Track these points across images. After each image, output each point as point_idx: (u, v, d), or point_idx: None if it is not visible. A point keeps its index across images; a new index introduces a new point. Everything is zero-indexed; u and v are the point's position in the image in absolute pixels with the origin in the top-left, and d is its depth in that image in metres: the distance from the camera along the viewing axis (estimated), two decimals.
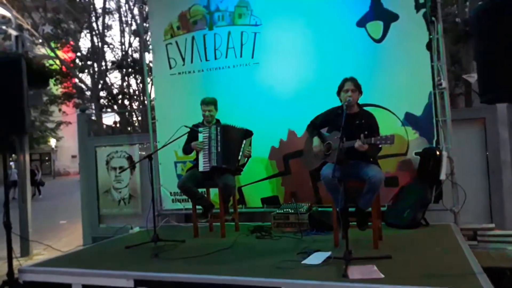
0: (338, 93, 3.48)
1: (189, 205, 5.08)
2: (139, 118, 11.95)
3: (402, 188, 4.32)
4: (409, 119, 4.35)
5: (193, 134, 4.20)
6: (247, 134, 4.19)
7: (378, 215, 3.41)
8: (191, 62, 5.18)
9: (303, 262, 3.03)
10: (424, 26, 4.29)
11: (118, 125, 9.74)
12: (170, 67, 5.28)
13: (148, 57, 5.69)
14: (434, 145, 4.27)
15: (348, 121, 3.21)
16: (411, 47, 4.34)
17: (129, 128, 10.40)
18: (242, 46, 4.96)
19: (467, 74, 5.05)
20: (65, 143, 32.84)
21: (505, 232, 4.15)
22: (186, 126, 4.09)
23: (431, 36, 4.26)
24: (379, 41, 4.47)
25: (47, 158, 35.75)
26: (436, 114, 4.26)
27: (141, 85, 11.08)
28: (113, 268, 3.20)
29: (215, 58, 5.08)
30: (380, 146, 3.22)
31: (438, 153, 4.13)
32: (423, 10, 4.28)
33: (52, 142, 31.91)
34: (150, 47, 5.46)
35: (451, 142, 4.22)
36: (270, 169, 4.86)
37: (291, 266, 2.95)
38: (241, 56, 4.97)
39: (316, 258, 3.06)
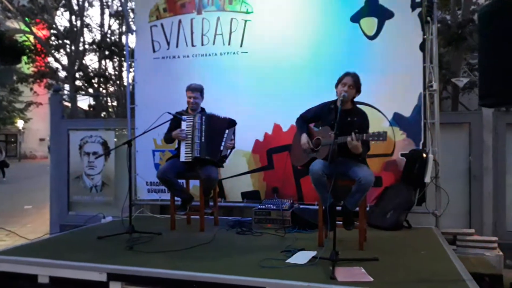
0: (336, 85, 3.35)
1: (165, 196, 4.93)
2: (114, 103, 11.56)
3: (386, 189, 4.27)
4: (397, 120, 4.29)
5: (176, 122, 4.00)
6: (231, 123, 4.01)
7: (364, 215, 3.32)
8: (176, 46, 4.96)
9: (287, 261, 2.91)
10: (418, 26, 4.23)
11: (92, 109, 9.36)
12: (154, 51, 5.04)
13: (130, 39, 5.43)
14: (420, 147, 4.22)
15: (340, 117, 3.10)
16: (404, 46, 4.27)
17: (103, 114, 10.01)
18: (231, 34, 4.77)
19: (455, 77, 5.04)
20: (33, 125, 31.69)
21: (485, 238, 4.17)
22: (169, 113, 3.88)
23: (425, 37, 4.20)
24: (372, 38, 4.38)
25: (13, 139, 34.40)
26: (425, 116, 4.21)
27: (118, 68, 10.69)
28: (84, 260, 2.98)
29: (202, 44, 4.87)
30: (371, 143, 3.14)
31: (424, 155, 4.08)
32: (418, 10, 4.21)
33: (20, 123, 30.73)
34: (134, 28, 5.18)
35: (437, 145, 4.18)
36: (252, 163, 4.72)
37: (275, 264, 2.82)
38: (229, 44, 4.78)
39: (301, 258, 2.94)
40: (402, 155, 4.27)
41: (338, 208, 3.34)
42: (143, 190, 5.09)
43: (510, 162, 4.60)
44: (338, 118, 2.99)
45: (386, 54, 4.32)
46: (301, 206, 4.36)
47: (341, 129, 3.03)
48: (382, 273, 2.61)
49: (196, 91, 4.02)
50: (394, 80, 4.30)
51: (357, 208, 3.31)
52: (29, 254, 3.18)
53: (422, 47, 4.23)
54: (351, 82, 3.26)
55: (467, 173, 4.65)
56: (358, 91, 3.32)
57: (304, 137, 3.42)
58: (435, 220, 4.20)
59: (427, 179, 4.07)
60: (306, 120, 3.54)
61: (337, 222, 3.21)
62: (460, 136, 4.68)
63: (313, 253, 2.97)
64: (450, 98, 5.55)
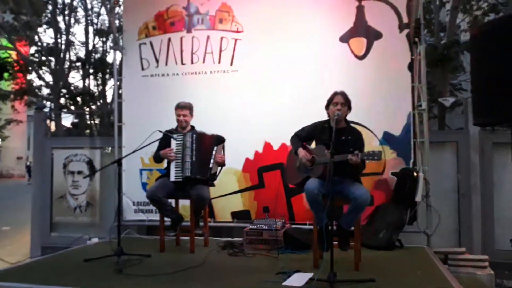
0: (327, 107, 3.36)
1: (153, 216, 4.82)
2: (96, 122, 11.36)
3: (377, 208, 4.26)
4: (387, 139, 4.32)
5: (166, 140, 3.93)
6: (218, 140, 3.95)
7: (359, 235, 3.29)
8: (166, 64, 4.92)
9: (284, 283, 2.84)
10: (406, 47, 4.32)
11: (75, 127, 9.18)
12: (143, 68, 4.99)
13: (118, 56, 5.37)
14: (410, 166, 4.25)
15: (334, 136, 3.10)
16: (393, 66, 4.34)
17: (87, 131, 9.82)
18: (221, 52, 4.77)
19: (442, 97, 5.13)
20: (10, 143, 30.86)
21: (476, 256, 4.16)
22: (160, 131, 3.81)
23: (413, 57, 4.28)
24: (361, 57, 4.44)
25: None
26: (415, 135, 4.25)
27: (100, 87, 10.54)
28: (70, 284, 2.86)
29: (192, 62, 4.85)
30: (366, 162, 3.13)
31: (415, 174, 4.10)
32: (406, 31, 4.30)
33: None
34: (122, 45, 5.13)
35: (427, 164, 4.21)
36: (242, 182, 4.66)
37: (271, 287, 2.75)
38: (219, 62, 4.77)
39: (298, 280, 2.88)
40: (392, 173, 4.29)
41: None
42: (129, 210, 4.96)
43: (497, 180, 4.67)
44: (334, 138, 2.99)
45: (375, 74, 4.38)
46: (293, 226, 4.31)
47: (336, 148, 3.02)
48: None
49: (186, 108, 3.97)
50: (383, 99, 4.34)
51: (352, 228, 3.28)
52: (13, 279, 3.03)
53: (410, 67, 4.30)
54: (342, 100, 3.27)
55: (455, 191, 4.69)
56: (349, 108, 3.34)
57: (301, 150, 3.38)
58: (426, 239, 4.20)
59: (418, 198, 4.08)
60: (300, 138, 3.52)
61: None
62: (448, 154, 4.74)
63: (310, 275, 2.91)
64: (436, 118, 5.63)
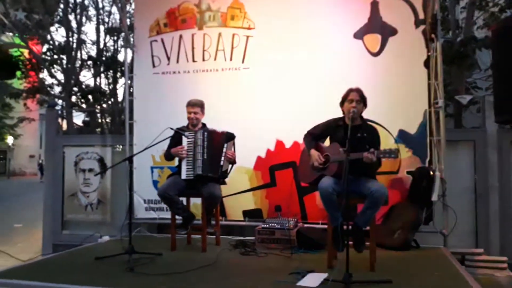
0: (342, 103, 3.29)
1: (164, 214, 4.79)
2: (107, 120, 11.39)
3: (392, 208, 4.16)
4: (403, 137, 4.22)
5: (177, 138, 3.89)
6: (228, 137, 3.90)
7: (374, 235, 3.21)
8: (177, 62, 4.88)
9: (298, 284, 2.78)
10: (422, 43, 4.21)
11: (87, 125, 9.23)
12: (154, 66, 4.96)
13: (129, 55, 5.34)
14: (426, 165, 4.15)
15: (350, 133, 3.03)
16: (409, 63, 4.25)
17: (98, 129, 9.86)
18: (232, 49, 4.71)
19: (459, 95, 5.01)
20: (23, 142, 31.22)
21: (494, 258, 4.07)
22: (171, 128, 3.78)
23: (429, 54, 4.17)
24: (376, 54, 4.35)
25: (2, 156, 33.80)
26: (431, 133, 4.16)
27: (112, 85, 10.57)
28: (81, 283, 2.82)
29: (203, 60, 4.80)
30: (382, 160, 3.06)
31: (431, 173, 4.01)
32: (422, 27, 4.20)
33: (9, 139, 30.25)
34: (133, 42, 5.10)
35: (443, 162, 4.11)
36: (254, 180, 4.60)
37: None
38: (231, 59, 4.72)
39: (312, 280, 2.82)
40: (408, 172, 4.19)
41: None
42: (140, 208, 4.94)
43: None
44: (349, 135, 2.92)
45: (390, 71, 4.29)
46: (306, 225, 4.24)
47: (351, 146, 2.95)
48: None
49: (197, 106, 3.93)
50: (399, 97, 4.25)
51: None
52: (24, 276, 3.01)
53: (427, 64, 4.20)
54: (358, 97, 3.20)
55: (472, 191, 4.57)
56: (365, 104, 3.26)
57: (313, 152, 3.32)
58: (442, 239, 4.11)
59: (435, 197, 3.99)
60: (314, 137, 3.45)
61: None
62: (464, 153, 4.61)
63: (324, 275, 2.85)
64: (452, 116, 5.51)
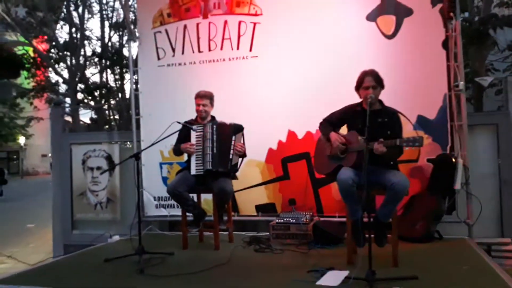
0: (357, 89, 3.09)
1: (175, 211, 4.66)
2: (116, 117, 11.32)
3: (412, 198, 3.95)
4: (422, 123, 4.00)
5: (185, 132, 3.73)
6: (236, 129, 3.71)
7: (396, 228, 3.02)
8: (182, 53, 4.70)
9: (318, 283, 2.61)
10: (440, 23, 3.97)
11: (94, 122, 9.14)
12: (159, 58, 4.79)
13: (133, 48, 5.19)
14: (448, 151, 3.93)
15: (370, 120, 2.84)
16: (426, 44, 4.00)
17: (106, 126, 9.78)
18: (239, 38, 4.52)
19: (478, 77, 4.76)
20: (35, 141, 31.47)
21: None
22: (178, 122, 3.62)
23: (447, 34, 3.94)
24: (391, 37, 4.12)
25: (15, 156, 34.15)
26: (452, 118, 3.93)
27: (119, 82, 10.48)
28: (90, 286, 2.69)
29: (209, 50, 4.62)
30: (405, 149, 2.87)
31: (454, 160, 3.79)
32: (439, 5, 3.95)
33: (21, 140, 30.50)
34: (137, 35, 4.93)
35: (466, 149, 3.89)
36: (266, 174, 4.43)
37: (304, 287, 2.52)
38: (238, 48, 4.52)
39: (332, 279, 2.65)
40: (428, 160, 3.98)
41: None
42: (151, 206, 4.81)
43: None
44: (368, 122, 2.73)
45: (407, 53, 4.06)
46: (322, 219, 4.07)
47: (372, 133, 2.75)
48: None
49: (206, 98, 3.76)
50: (416, 81, 4.02)
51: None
52: (31, 281, 2.89)
53: (445, 44, 3.96)
54: (373, 82, 2.99)
55: (495, 177, 4.34)
56: (382, 87, 3.05)
57: (334, 135, 3.11)
58: (467, 229, 3.90)
59: (458, 185, 3.78)
60: (331, 125, 3.24)
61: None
62: (486, 138, 4.37)
63: (345, 273, 2.68)
64: (471, 100, 5.25)
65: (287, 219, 3.90)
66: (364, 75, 3.03)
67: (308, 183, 4.26)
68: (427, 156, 3.99)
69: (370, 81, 3.00)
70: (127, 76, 9.50)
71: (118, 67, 9.26)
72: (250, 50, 4.49)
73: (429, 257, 3.21)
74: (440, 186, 3.84)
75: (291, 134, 4.36)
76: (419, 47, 4.03)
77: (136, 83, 5.02)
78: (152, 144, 3.52)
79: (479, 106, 5.11)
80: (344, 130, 3.29)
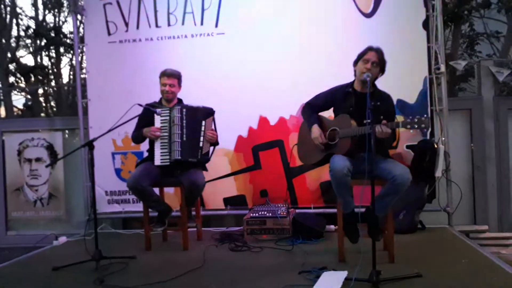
0: (355, 62, 2.77)
1: (130, 207, 4.19)
2: (52, 103, 10.31)
3: None
4: (401, 107, 3.79)
5: (146, 116, 3.22)
6: (207, 113, 3.26)
7: (392, 222, 2.77)
8: (137, 28, 4.15)
9: (315, 287, 2.27)
10: (421, 2, 3.77)
11: (28, 109, 8.17)
12: (109, 33, 4.19)
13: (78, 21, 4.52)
14: (428, 137, 3.77)
15: (361, 102, 2.55)
16: (406, 25, 3.80)
17: (42, 115, 8.81)
18: (203, 12, 4.05)
19: (453, 60, 4.66)
20: None
21: (500, 234, 3.82)
22: (140, 105, 3.10)
23: (428, 13, 3.75)
24: (369, 15, 3.86)
25: None
26: (432, 102, 3.76)
27: (56, 62, 9.46)
28: None
29: (169, 25, 4.11)
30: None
31: (435, 146, 3.63)
32: None
33: None
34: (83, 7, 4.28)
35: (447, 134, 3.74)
36: (236, 163, 4.04)
37: None
38: (202, 24, 4.06)
39: (330, 281, 2.32)
40: (407, 147, 3.80)
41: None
42: (102, 201, 4.22)
43: None
44: (356, 104, 2.51)
45: (385, 33, 3.80)
46: (297, 211, 3.76)
47: (362, 116, 2.48)
48: None
49: (173, 77, 3.27)
50: (395, 63, 3.61)
51: None
52: None
53: (426, 25, 3.77)
54: (376, 59, 2.70)
55: (468, 163, 4.28)
56: (382, 70, 2.77)
57: (316, 129, 2.79)
58: (444, 217, 3.78)
59: (438, 173, 3.63)
60: (315, 109, 2.92)
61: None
62: (460, 123, 4.30)
63: (344, 274, 2.37)
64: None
65: (262, 212, 3.54)
66: (369, 49, 2.74)
67: (281, 173, 3.93)
68: (407, 143, 3.81)
69: (373, 56, 2.70)
70: (65, 59, 8.56)
71: (53, 46, 8.28)
72: (216, 26, 4.05)
73: (422, 250, 2.99)
74: (421, 173, 3.65)
75: (263, 120, 3.99)
76: (399, 27, 3.82)
77: (81, 61, 4.38)
78: (110, 130, 2.98)
79: (453, 91, 5.04)
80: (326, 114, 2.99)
